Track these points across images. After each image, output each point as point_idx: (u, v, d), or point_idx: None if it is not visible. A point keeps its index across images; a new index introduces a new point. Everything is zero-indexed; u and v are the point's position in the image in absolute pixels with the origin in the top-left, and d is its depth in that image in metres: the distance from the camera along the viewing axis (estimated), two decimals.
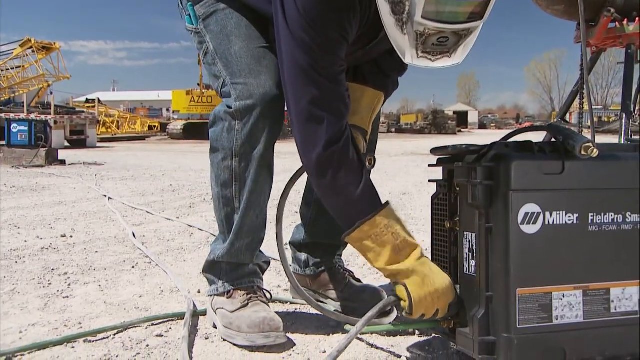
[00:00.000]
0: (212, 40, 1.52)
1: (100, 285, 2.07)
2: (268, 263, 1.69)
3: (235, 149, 1.48)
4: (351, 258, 2.38)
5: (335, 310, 1.61)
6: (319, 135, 1.30)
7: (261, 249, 1.67)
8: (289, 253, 1.93)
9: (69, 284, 2.08)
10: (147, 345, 1.48)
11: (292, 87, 1.33)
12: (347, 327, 1.56)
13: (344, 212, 1.36)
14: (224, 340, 1.50)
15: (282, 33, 1.32)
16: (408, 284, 1.27)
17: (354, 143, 1.35)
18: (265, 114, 1.44)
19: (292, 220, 1.87)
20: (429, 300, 1.26)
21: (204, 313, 1.69)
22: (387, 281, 2.11)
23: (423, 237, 2.78)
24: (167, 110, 35.90)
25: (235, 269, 1.57)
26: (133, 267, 2.35)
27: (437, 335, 1.49)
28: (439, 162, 1.39)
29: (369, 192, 1.34)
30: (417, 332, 1.54)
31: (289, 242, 1.88)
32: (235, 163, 1.49)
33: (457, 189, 1.29)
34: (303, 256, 1.81)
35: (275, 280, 2.13)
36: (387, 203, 1.34)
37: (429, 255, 1.37)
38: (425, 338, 1.51)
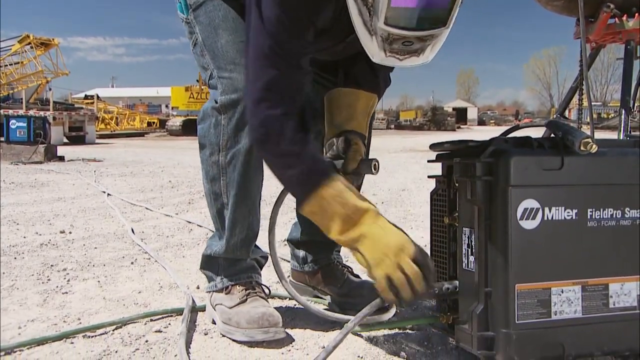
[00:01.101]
0: (201, 32, 1.53)
1: (99, 281, 2.07)
2: (266, 258, 1.69)
3: (222, 143, 1.50)
4: (350, 254, 2.38)
5: (325, 309, 1.62)
6: (264, 116, 1.30)
7: (259, 245, 1.67)
8: (287, 250, 1.93)
9: (68, 280, 2.08)
10: (146, 341, 1.48)
11: (252, 66, 1.33)
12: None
13: (290, 190, 1.37)
14: (223, 336, 1.50)
15: (252, 13, 1.32)
16: (362, 249, 1.24)
17: (306, 125, 1.36)
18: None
19: (292, 216, 1.87)
20: (387, 261, 1.19)
21: (203, 309, 1.69)
22: None
23: (422, 233, 2.79)
24: (166, 106, 35.90)
25: (232, 265, 1.58)
26: (132, 263, 2.35)
27: (436, 331, 1.49)
28: (438, 158, 1.39)
29: (310, 169, 1.30)
30: (416, 327, 1.54)
31: (287, 240, 1.88)
32: (221, 158, 1.51)
33: (456, 184, 1.29)
34: (301, 253, 1.81)
35: (273, 276, 2.13)
36: (332, 172, 1.30)
37: (429, 252, 1.37)
38: (424, 333, 1.51)
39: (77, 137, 15.59)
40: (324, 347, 1.31)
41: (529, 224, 1.17)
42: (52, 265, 2.29)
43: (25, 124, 10.63)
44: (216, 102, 1.49)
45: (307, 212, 1.30)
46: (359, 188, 1.53)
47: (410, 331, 1.53)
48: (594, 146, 1.18)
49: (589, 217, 1.21)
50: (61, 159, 8.99)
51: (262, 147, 1.35)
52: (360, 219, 1.25)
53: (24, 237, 2.87)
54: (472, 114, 63.54)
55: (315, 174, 1.30)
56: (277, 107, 1.29)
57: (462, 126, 44.69)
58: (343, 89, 1.55)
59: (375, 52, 1.18)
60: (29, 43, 20.00)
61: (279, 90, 1.30)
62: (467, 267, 1.25)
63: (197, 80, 22.96)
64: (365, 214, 1.26)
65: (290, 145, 1.29)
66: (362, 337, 1.49)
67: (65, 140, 14.98)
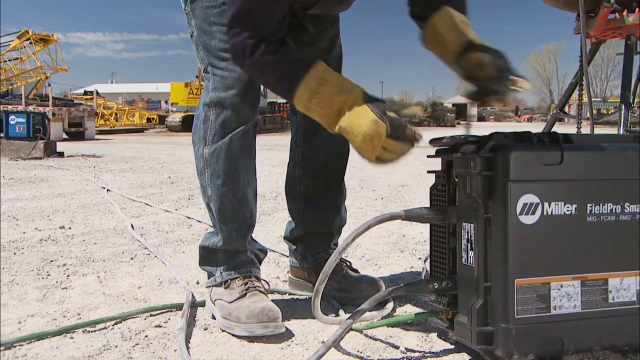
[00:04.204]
0: (196, 27, 1.55)
1: (99, 277, 2.07)
2: (264, 252, 1.70)
3: (208, 138, 1.54)
4: (349, 249, 2.39)
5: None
6: (232, 42, 1.35)
7: (259, 245, 1.68)
8: (286, 247, 1.93)
9: (68, 275, 2.08)
10: (146, 336, 1.48)
11: None
12: (343, 316, 1.58)
13: (278, 93, 1.39)
14: (223, 330, 1.50)
15: None
16: (349, 140, 1.29)
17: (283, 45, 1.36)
18: (238, 106, 1.50)
19: (286, 215, 1.88)
20: (367, 148, 1.25)
21: (202, 304, 1.69)
22: (386, 273, 2.12)
23: (422, 229, 2.79)
24: (166, 102, 35.82)
25: (231, 258, 1.58)
26: (132, 258, 2.36)
27: (435, 326, 1.49)
28: (438, 153, 1.39)
29: (281, 79, 1.34)
30: (415, 322, 1.54)
31: (284, 238, 1.89)
32: (206, 150, 1.54)
33: (456, 179, 1.29)
34: (299, 249, 1.81)
35: (273, 271, 2.14)
36: (310, 69, 1.31)
37: (428, 247, 1.37)
38: (424, 328, 1.51)
39: (76, 133, 15.55)
40: (323, 342, 1.31)
41: (528, 219, 1.17)
42: (51, 261, 2.29)
43: (24, 120, 10.62)
44: (207, 99, 1.53)
45: (300, 109, 1.33)
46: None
47: (409, 326, 1.53)
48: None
49: (588, 212, 1.21)
50: (60, 154, 8.97)
51: (238, 64, 1.40)
52: (339, 114, 1.29)
53: (24, 233, 2.87)
54: (471, 109, 63.47)
55: (292, 72, 1.32)
56: (245, 33, 1.32)
57: (461, 122, 44.61)
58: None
59: None
60: (28, 39, 19.95)
61: (248, 18, 1.33)
62: (467, 262, 1.25)
63: (197, 76, 22.91)
64: (342, 107, 1.28)
65: (253, 59, 1.33)
66: (361, 332, 1.49)
67: (65, 136, 14.94)
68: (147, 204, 3.90)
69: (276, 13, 1.36)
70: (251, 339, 1.45)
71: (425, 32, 1.49)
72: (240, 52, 1.34)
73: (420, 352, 1.37)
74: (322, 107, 1.29)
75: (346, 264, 1.79)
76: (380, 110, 1.23)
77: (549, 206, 1.18)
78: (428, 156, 1.43)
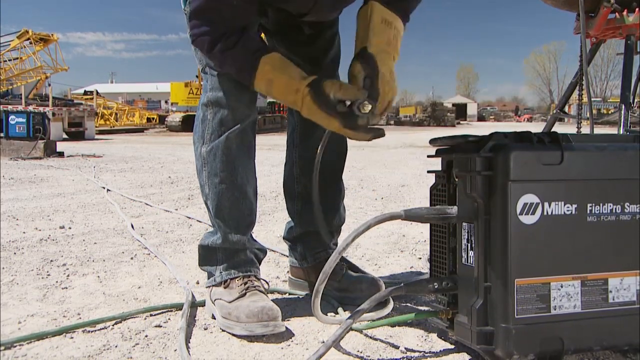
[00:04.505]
0: None
1: (99, 277, 2.07)
2: (264, 252, 1.70)
3: (206, 137, 1.55)
4: (349, 249, 2.39)
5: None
6: (192, 34, 1.41)
7: (260, 242, 1.68)
8: (285, 247, 1.93)
9: (68, 275, 2.08)
10: (146, 336, 1.48)
11: None
12: (342, 315, 1.58)
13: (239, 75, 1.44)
14: (223, 330, 1.50)
15: None
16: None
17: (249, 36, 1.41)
18: (234, 105, 1.52)
19: (286, 215, 1.88)
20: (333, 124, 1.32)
21: (202, 304, 1.69)
22: (385, 272, 2.12)
23: (422, 229, 2.79)
24: (166, 102, 35.81)
25: (231, 257, 1.58)
26: (132, 258, 2.36)
27: (435, 326, 1.49)
28: (438, 153, 1.39)
29: (241, 70, 1.41)
30: (415, 322, 1.54)
31: (283, 238, 1.89)
32: (204, 149, 1.56)
33: (456, 179, 1.29)
34: (298, 249, 1.81)
35: (273, 271, 2.14)
36: (256, 71, 1.38)
37: (428, 247, 1.37)
38: (424, 328, 1.51)
39: (76, 132, 15.55)
40: (323, 342, 1.31)
41: (528, 219, 1.17)
42: (51, 261, 2.29)
43: (24, 120, 10.64)
44: (204, 98, 1.56)
45: (263, 91, 1.42)
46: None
47: (409, 326, 1.53)
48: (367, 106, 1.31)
49: (588, 212, 1.21)
50: (60, 154, 8.97)
51: (201, 48, 1.43)
52: (296, 87, 1.35)
53: (24, 233, 2.87)
54: (471, 109, 63.47)
55: (249, 63, 1.38)
56: (204, 28, 1.38)
57: (461, 122, 44.65)
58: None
59: None
60: (28, 39, 19.97)
61: (207, 15, 1.37)
62: (467, 262, 1.25)
63: (197, 76, 22.90)
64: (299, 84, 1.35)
65: (212, 53, 1.40)
66: (361, 331, 1.49)
67: (65, 136, 14.95)
68: (147, 204, 3.90)
69: (239, 18, 1.40)
70: (251, 338, 1.45)
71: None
72: (199, 45, 1.42)
73: (420, 352, 1.37)
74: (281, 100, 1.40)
75: (346, 263, 1.79)
76: (329, 106, 1.31)
77: (549, 206, 1.18)
78: (428, 156, 1.42)
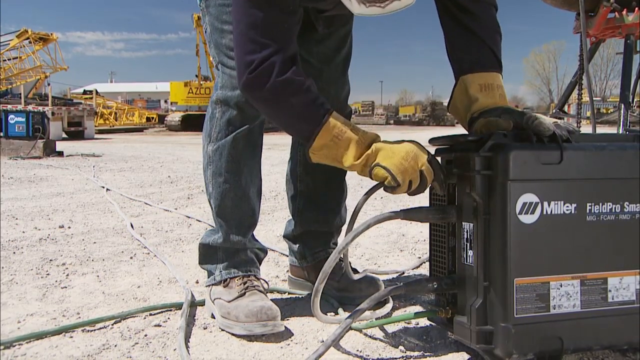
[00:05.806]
0: (209, 24, 1.56)
1: (98, 276, 2.07)
2: (264, 252, 1.70)
3: (213, 135, 1.55)
4: (349, 248, 2.38)
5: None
6: (250, 59, 1.29)
7: (260, 241, 1.68)
8: (285, 247, 1.93)
9: (67, 275, 2.08)
10: (145, 335, 1.48)
11: (235, 9, 1.33)
12: (342, 314, 1.58)
13: (296, 128, 1.36)
14: (222, 330, 1.50)
15: None
16: (380, 161, 1.26)
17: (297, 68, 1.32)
18: (243, 106, 1.50)
19: (286, 214, 1.88)
20: (405, 165, 1.24)
21: (202, 303, 1.69)
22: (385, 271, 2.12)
23: (421, 229, 2.79)
24: (165, 101, 35.83)
25: (231, 256, 1.58)
26: (131, 257, 2.36)
27: (434, 325, 1.49)
28: (437, 152, 1.38)
29: (313, 104, 1.31)
30: (414, 322, 1.54)
31: (283, 237, 1.89)
32: (210, 147, 1.55)
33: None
34: (298, 248, 1.81)
35: (273, 270, 2.14)
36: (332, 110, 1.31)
37: (427, 246, 1.37)
38: (423, 328, 1.51)
39: (75, 132, 15.55)
40: (323, 341, 1.31)
41: (528, 218, 1.17)
42: (51, 260, 2.29)
43: (24, 119, 10.61)
44: (215, 96, 1.55)
45: (319, 146, 1.30)
46: None
47: (409, 325, 1.53)
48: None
49: (588, 211, 1.21)
50: (60, 154, 8.97)
51: (255, 88, 1.31)
52: (371, 141, 1.30)
53: (23, 232, 2.87)
54: None
55: (321, 102, 1.31)
56: (264, 49, 1.28)
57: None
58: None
59: (354, 4, 1.15)
60: (27, 38, 19.93)
61: (263, 33, 1.29)
62: (466, 261, 1.25)
63: (196, 76, 22.91)
64: (375, 137, 1.31)
65: (286, 77, 1.28)
66: (361, 331, 1.49)
67: (64, 135, 14.95)
68: (146, 203, 3.90)
69: (293, 27, 1.33)
70: (250, 338, 1.45)
71: (451, 98, 1.47)
72: (265, 73, 1.27)
73: (419, 351, 1.37)
74: (350, 135, 1.29)
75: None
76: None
77: (549, 205, 1.18)
78: None
